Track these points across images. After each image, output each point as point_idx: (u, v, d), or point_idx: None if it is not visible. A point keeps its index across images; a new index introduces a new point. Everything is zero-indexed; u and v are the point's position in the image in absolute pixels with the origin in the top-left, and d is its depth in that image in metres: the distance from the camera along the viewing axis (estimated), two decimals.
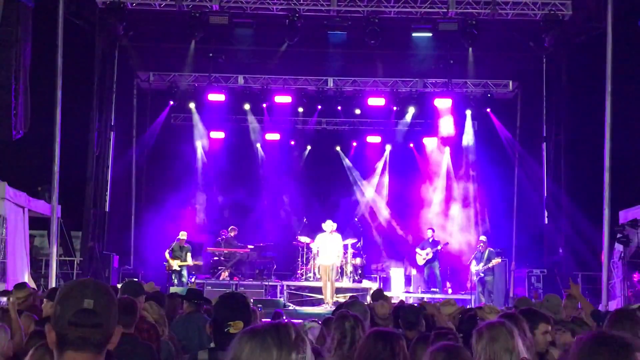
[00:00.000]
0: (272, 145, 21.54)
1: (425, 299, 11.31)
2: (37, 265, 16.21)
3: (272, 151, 21.57)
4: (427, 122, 20.91)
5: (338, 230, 16.67)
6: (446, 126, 20.52)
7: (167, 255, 17.00)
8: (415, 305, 6.96)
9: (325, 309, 14.95)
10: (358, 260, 18.10)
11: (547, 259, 17.91)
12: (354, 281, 17.77)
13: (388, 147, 21.37)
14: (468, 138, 20.66)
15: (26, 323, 5.89)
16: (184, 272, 16.97)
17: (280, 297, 16.61)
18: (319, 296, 16.66)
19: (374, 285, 16.73)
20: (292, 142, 21.77)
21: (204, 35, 17.30)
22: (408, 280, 18.06)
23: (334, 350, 4.24)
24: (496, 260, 16.40)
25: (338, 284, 16.74)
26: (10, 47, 13.47)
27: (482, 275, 16.55)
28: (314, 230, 17.84)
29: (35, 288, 12.20)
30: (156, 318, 5.81)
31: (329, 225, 16.24)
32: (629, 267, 14.35)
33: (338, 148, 21.70)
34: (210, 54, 19.16)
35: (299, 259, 18.47)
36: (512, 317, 4.34)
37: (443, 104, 19.98)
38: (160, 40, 19.27)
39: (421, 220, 20.14)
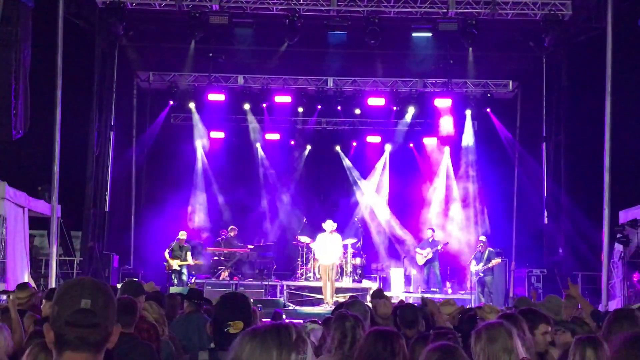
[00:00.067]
0: (272, 145, 21.54)
1: None
2: (37, 265, 16.21)
3: (272, 151, 21.57)
4: (427, 122, 20.91)
5: (338, 230, 16.68)
6: (446, 126, 20.52)
7: (166, 255, 17.00)
8: (415, 305, 6.96)
9: (325, 308, 14.96)
10: (358, 260, 18.11)
11: (547, 259, 17.92)
12: (353, 281, 17.78)
13: (388, 147, 21.36)
14: (468, 138, 20.66)
15: (28, 323, 5.91)
16: (184, 272, 16.97)
17: (280, 297, 16.61)
18: (319, 296, 16.66)
19: (374, 285, 16.73)
20: (292, 142, 21.77)
21: (204, 35, 17.31)
22: (408, 280, 18.06)
23: (335, 349, 4.24)
24: (496, 261, 16.40)
25: (338, 284, 16.75)
26: (10, 47, 13.45)
27: (481, 275, 16.55)
28: (314, 230, 17.85)
29: (36, 288, 12.20)
30: (156, 318, 5.81)
31: (329, 225, 16.24)
32: (628, 267, 14.35)
33: (338, 148, 21.68)
34: (210, 54, 19.18)
35: (299, 259, 18.48)
36: (511, 317, 4.34)
37: (443, 104, 19.97)
38: (160, 40, 19.29)
39: (421, 220, 20.14)
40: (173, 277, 16.89)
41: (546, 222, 18.67)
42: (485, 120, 20.53)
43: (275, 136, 21.37)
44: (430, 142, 21.10)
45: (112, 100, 18.21)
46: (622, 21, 13.48)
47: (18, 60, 13.57)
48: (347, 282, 17.60)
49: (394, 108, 20.42)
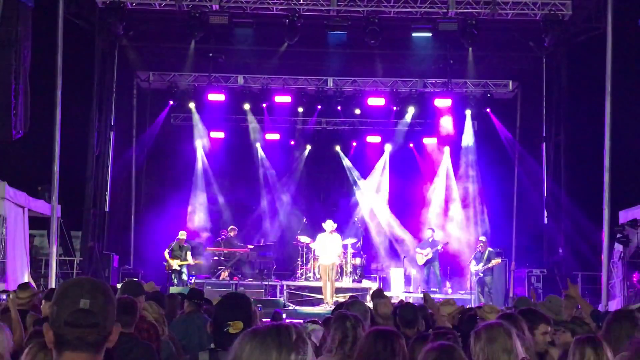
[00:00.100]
0: (272, 145, 21.54)
1: None
2: (37, 265, 16.21)
3: (272, 151, 21.56)
4: (427, 122, 20.90)
5: (338, 230, 16.69)
6: (446, 126, 20.52)
7: (166, 255, 17.00)
8: (415, 304, 6.95)
9: (325, 308, 14.96)
10: (358, 260, 18.11)
11: (547, 259, 17.93)
12: (353, 281, 17.78)
13: (388, 147, 21.35)
14: (468, 138, 20.65)
15: (30, 323, 5.91)
16: (184, 272, 16.98)
17: (280, 297, 16.62)
18: (319, 296, 16.66)
19: (373, 285, 16.73)
20: (292, 142, 21.77)
21: (204, 35, 17.31)
22: (408, 280, 18.06)
23: (335, 349, 4.24)
24: (496, 261, 16.39)
25: (338, 284, 16.75)
26: (10, 47, 13.45)
27: (481, 275, 16.54)
28: (314, 230, 17.86)
29: (36, 288, 12.21)
30: (156, 318, 5.81)
31: (329, 225, 16.24)
32: (628, 267, 14.36)
33: (338, 148, 21.67)
34: (210, 54, 19.18)
35: (299, 259, 18.47)
36: (511, 317, 4.35)
37: (443, 104, 19.97)
38: (160, 40, 19.30)
39: (421, 220, 20.13)
40: (173, 277, 16.89)
41: (546, 222, 18.68)
42: (485, 120, 20.52)
43: (275, 136, 21.36)
44: (430, 142, 21.09)
45: (112, 100, 18.22)
46: (622, 21, 13.48)
47: (18, 60, 13.57)
48: (347, 282, 17.60)
49: (394, 108, 20.41)
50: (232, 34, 17.86)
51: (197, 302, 7.19)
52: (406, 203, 20.87)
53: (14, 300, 6.29)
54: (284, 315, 10.91)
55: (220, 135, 21.05)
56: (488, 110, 20.28)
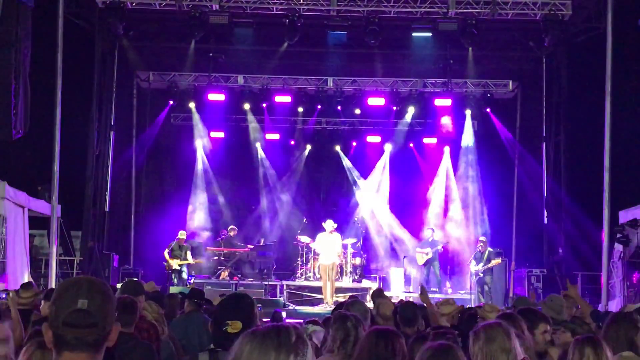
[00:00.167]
0: (272, 145, 21.53)
1: None
2: (37, 264, 16.22)
3: (272, 151, 21.56)
4: (427, 122, 20.90)
5: (338, 230, 16.68)
6: (446, 126, 20.52)
7: (166, 254, 16.99)
8: (415, 303, 6.96)
9: (325, 308, 14.96)
10: (358, 260, 18.11)
11: (547, 259, 17.93)
12: (353, 281, 17.79)
13: (388, 147, 21.34)
14: (468, 138, 20.64)
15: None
16: (184, 271, 16.98)
17: (280, 297, 16.61)
18: (319, 296, 16.66)
19: (373, 285, 16.73)
20: (292, 142, 21.76)
21: (204, 35, 17.32)
22: (408, 280, 18.05)
23: (337, 350, 4.24)
24: (496, 261, 16.38)
25: (338, 284, 16.74)
26: (10, 47, 13.43)
27: (481, 275, 16.53)
28: (314, 230, 17.86)
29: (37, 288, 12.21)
30: (156, 317, 5.81)
31: (329, 224, 16.24)
32: (628, 267, 14.36)
33: (338, 148, 21.67)
34: (210, 54, 19.18)
35: (299, 259, 18.47)
36: (510, 317, 4.35)
37: (443, 103, 19.97)
38: (160, 40, 19.29)
39: (421, 220, 20.13)
40: (173, 277, 16.89)
41: (546, 222, 18.67)
42: (485, 120, 20.52)
43: (275, 136, 21.36)
44: (430, 142, 21.09)
45: (112, 100, 18.22)
46: (622, 21, 13.48)
47: (18, 60, 13.56)
48: (347, 282, 17.60)
49: (394, 108, 20.41)
50: (232, 34, 17.87)
51: (197, 302, 7.19)
52: (406, 203, 20.87)
53: (14, 299, 6.29)
54: (284, 315, 10.91)
55: (220, 135, 21.05)
56: (488, 110, 20.27)
